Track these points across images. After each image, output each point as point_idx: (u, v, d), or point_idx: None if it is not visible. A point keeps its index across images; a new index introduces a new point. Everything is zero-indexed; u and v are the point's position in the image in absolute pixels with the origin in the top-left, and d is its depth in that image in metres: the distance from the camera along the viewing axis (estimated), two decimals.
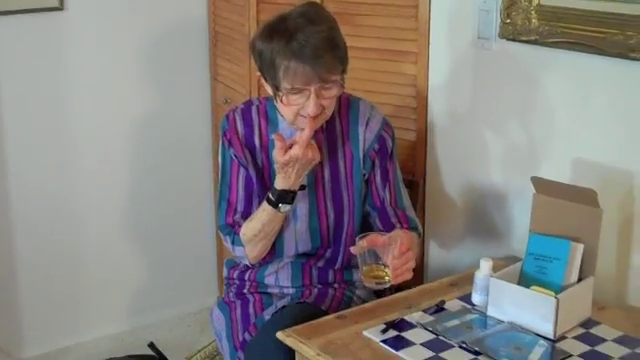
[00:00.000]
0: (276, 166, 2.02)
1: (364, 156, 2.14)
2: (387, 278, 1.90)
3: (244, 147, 2.16)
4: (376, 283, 1.91)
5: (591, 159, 2.08)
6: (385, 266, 1.90)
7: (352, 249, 1.95)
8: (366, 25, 2.61)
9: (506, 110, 2.29)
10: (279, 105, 2.04)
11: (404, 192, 2.23)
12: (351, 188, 2.16)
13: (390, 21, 2.55)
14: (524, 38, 2.15)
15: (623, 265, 2.06)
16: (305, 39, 1.94)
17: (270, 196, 2.07)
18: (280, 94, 1.99)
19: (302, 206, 2.16)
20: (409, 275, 1.91)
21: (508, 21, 2.18)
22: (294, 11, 2.01)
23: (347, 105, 2.16)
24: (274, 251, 2.23)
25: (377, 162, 2.16)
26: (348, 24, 2.65)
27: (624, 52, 1.92)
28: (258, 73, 2.07)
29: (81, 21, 3.06)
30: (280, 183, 2.05)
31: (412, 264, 1.92)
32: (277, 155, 1.99)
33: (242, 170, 2.17)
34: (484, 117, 2.35)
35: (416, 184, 2.47)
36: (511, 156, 2.30)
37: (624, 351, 1.78)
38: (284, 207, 2.07)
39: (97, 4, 3.08)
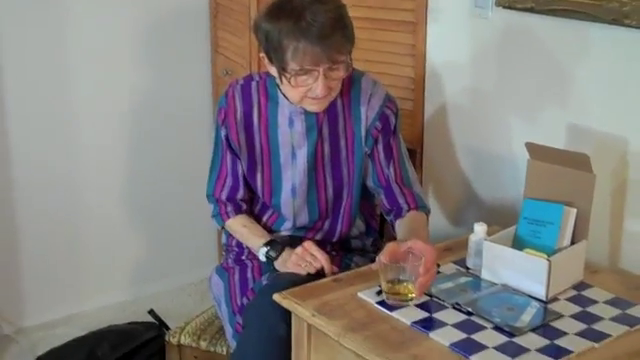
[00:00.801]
0: (297, 250, 2.06)
1: (366, 133, 2.13)
2: (410, 295, 1.81)
3: (240, 126, 2.15)
4: (400, 301, 1.81)
5: (586, 125, 2.10)
6: (407, 282, 1.81)
7: (372, 266, 1.93)
8: None
9: (503, 77, 2.31)
10: (285, 86, 2.01)
11: (410, 168, 2.21)
12: (352, 165, 2.17)
13: None
14: (520, 6, 2.16)
15: (616, 230, 2.08)
16: (314, 18, 1.90)
17: (260, 248, 2.14)
18: (287, 75, 1.96)
19: (302, 182, 2.17)
20: (433, 276, 1.86)
21: None
22: None
23: (349, 82, 2.12)
24: (271, 225, 2.26)
25: (380, 139, 2.14)
26: None
27: (619, 19, 1.93)
28: (262, 54, 2.03)
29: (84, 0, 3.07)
30: (278, 259, 2.11)
31: (433, 277, 1.86)
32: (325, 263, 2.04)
33: (230, 153, 2.19)
34: (481, 85, 2.37)
35: (413, 152, 2.48)
36: (507, 122, 2.32)
37: (615, 312, 1.81)
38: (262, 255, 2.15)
39: None
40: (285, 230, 2.25)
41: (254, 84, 2.17)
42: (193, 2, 3.35)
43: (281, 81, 2.02)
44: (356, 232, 2.29)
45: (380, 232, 2.42)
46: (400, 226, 2.13)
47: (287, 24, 1.92)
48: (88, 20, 3.11)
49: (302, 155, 2.15)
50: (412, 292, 1.81)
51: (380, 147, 2.15)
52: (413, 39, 2.53)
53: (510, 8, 2.20)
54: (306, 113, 2.11)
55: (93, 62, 3.16)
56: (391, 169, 2.16)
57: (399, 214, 2.15)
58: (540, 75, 2.20)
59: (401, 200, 2.16)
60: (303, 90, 1.99)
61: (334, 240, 2.25)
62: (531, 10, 2.14)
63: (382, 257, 1.84)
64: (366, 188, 2.22)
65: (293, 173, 2.17)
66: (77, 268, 3.30)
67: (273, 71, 2.03)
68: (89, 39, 3.13)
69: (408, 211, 2.14)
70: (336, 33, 1.93)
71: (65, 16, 3.06)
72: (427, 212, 2.20)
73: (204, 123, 3.45)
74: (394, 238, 2.13)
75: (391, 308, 1.80)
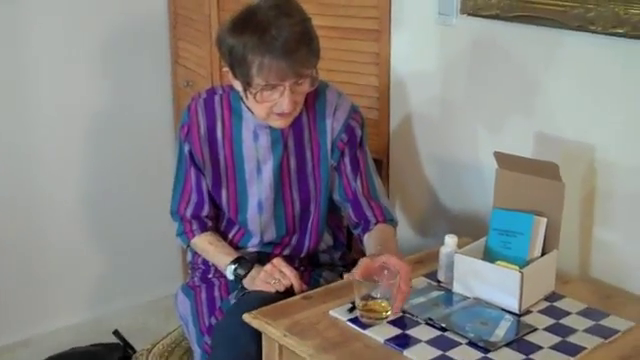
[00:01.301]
0: (266, 267, 2.03)
1: (332, 146, 2.10)
2: (385, 314, 1.77)
3: (204, 142, 2.11)
4: (375, 319, 1.76)
5: (553, 133, 2.09)
6: (381, 299, 1.77)
7: (346, 277, 1.90)
8: (326, 3, 2.59)
9: (469, 85, 2.29)
10: (250, 102, 1.98)
11: (377, 180, 2.18)
12: (318, 178, 2.13)
13: None
14: (485, 13, 2.14)
15: (585, 238, 2.07)
16: (279, 33, 1.87)
17: (227, 266, 2.10)
18: (253, 91, 1.93)
19: (268, 197, 2.13)
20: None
21: None
22: (264, 3, 1.94)
23: (314, 95, 2.08)
24: (238, 242, 2.22)
25: (346, 152, 2.11)
26: (308, 2, 2.62)
27: (584, 25, 1.92)
28: (225, 68, 2.00)
29: (38, 2, 2.99)
30: (246, 277, 2.07)
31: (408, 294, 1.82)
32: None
33: (194, 169, 2.15)
34: (447, 93, 2.35)
35: (379, 162, 2.45)
36: (474, 131, 2.29)
37: (589, 323, 1.79)
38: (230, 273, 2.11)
39: None
40: (252, 246, 2.21)
41: (217, 98, 2.13)
42: (152, 12, 3.29)
43: (246, 97, 1.98)
44: (324, 246, 2.25)
45: (348, 245, 2.38)
46: (369, 240, 2.09)
47: (252, 39, 1.88)
48: (44, 33, 3.03)
49: (268, 170, 2.11)
50: (386, 310, 1.77)
51: (347, 160, 2.12)
52: (377, 47, 2.50)
53: (475, 15, 2.18)
54: (271, 127, 2.07)
55: (50, 74, 3.08)
56: (358, 182, 2.13)
57: (367, 227, 2.12)
58: (507, 83, 2.18)
59: (369, 213, 2.12)
60: (269, 105, 1.95)
61: (302, 255, 2.21)
62: (496, 17, 2.12)
63: (356, 273, 1.80)
64: (333, 201, 2.19)
65: (259, 188, 2.13)
66: (35, 288, 3.21)
67: (237, 85, 1.99)
68: (45, 52, 3.05)
69: (376, 224, 2.11)
70: (302, 47, 1.89)
71: (21, 28, 2.98)
72: (395, 225, 2.18)
73: (165, 136, 3.39)
74: (362, 251, 2.10)
75: (364, 326, 1.76)
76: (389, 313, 1.77)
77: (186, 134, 2.13)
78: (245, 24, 1.91)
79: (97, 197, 3.30)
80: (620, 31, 1.85)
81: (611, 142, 1.97)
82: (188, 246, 2.25)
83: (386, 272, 1.80)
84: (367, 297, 1.77)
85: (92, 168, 3.26)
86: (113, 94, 3.25)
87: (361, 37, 2.54)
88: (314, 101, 2.09)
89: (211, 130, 2.11)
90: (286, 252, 2.19)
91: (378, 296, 1.77)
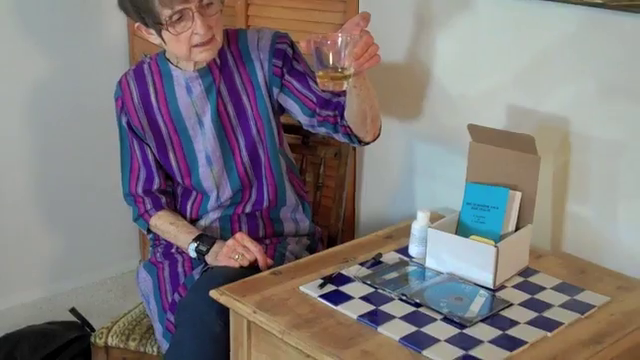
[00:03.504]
0: (229, 242, 1.98)
1: (268, 77, 2.07)
2: (347, 72, 1.66)
3: (139, 111, 2.11)
4: (333, 85, 1.67)
5: (526, 105, 2.05)
6: (343, 68, 1.67)
7: (301, 43, 1.73)
8: None
9: (439, 57, 2.23)
10: (169, 43, 1.97)
11: None
12: (258, 118, 2.09)
13: None
14: None
15: (558, 213, 2.04)
16: None
17: (189, 244, 2.06)
18: (165, 27, 1.92)
19: (214, 149, 2.10)
20: (376, 60, 1.70)
21: None
22: None
23: (235, 35, 2.11)
24: (197, 210, 2.17)
25: (285, 72, 2.06)
26: None
27: None
28: (137, 24, 2.00)
29: None
30: (209, 253, 2.03)
31: (376, 48, 1.69)
32: None
33: (136, 141, 2.14)
34: (417, 65, 2.29)
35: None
36: (446, 104, 2.24)
37: (564, 298, 1.76)
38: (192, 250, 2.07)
39: None
40: (212, 210, 2.15)
41: (146, 66, 2.15)
42: None
43: (163, 40, 1.98)
44: (288, 205, 2.19)
45: (313, 212, 2.32)
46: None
47: None
48: None
49: (208, 120, 2.09)
50: (346, 75, 1.67)
51: (288, 77, 2.07)
52: (344, 18, 2.43)
53: None
54: (202, 76, 2.06)
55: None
56: (312, 85, 2.04)
57: (342, 107, 1.98)
58: (477, 55, 2.13)
59: (336, 99, 2.00)
60: (186, 38, 1.94)
61: (264, 207, 2.15)
62: None
63: (309, 41, 1.68)
64: (289, 158, 2.16)
65: (204, 141, 2.11)
66: None
67: (153, 38, 2.00)
68: None
69: None
70: None
71: None
72: None
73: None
74: (336, 222, 2.04)
75: (336, 302, 1.71)
76: (351, 71, 1.68)
77: (121, 107, 2.14)
78: None
79: (47, 174, 3.18)
80: (597, 1, 1.82)
81: (586, 114, 1.94)
82: (149, 231, 2.21)
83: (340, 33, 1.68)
84: (326, 67, 1.67)
85: (43, 145, 3.14)
86: (65, 67, 3.13)
87: (328, 8, 2.47)
88: (237, 42, 2.09)
89: (144, 96, 2.12)
90: (248, 209, 2.15)
91: (339, 65, 1.67)
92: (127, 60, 3.27)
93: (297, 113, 2.08)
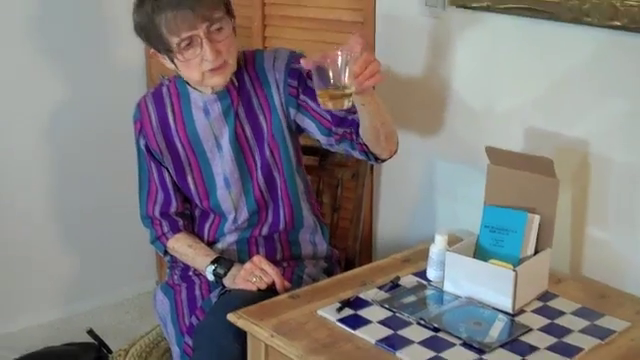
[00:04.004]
0: (246, 265, 1.98)
1: (284, 98, 2.06)
2: (347, 90, 1.65)
3: (157, 134, 2.11)
4: (333, 104, 1.66)
5: (545, 127, 2.04)
6: (343, 87, 1.64)
7: (302, 61, 1.70)
8: None
9: (458, 80, 2.23)
10: (182, 68, 1.98)
11: None
12: (272, 141, 2.08)
13: None
14: (475, 5, 2.09)
15: (578, 236, 2.03)
16: None
17: (207, 267, 2.05)
18: (176, 54, 1.94)
19: (232, 171, 2.10)
20: (378, 78, 1.70)
21: None
22: None
23: (252, 57, 2.11)
24: (214, 234, 2.17)
25: (301, 92, 2.05)
26: None
27: (579, 17, 1.87)
28: (151, 50, 2.01)
29: None
30: (227, 276, 2.02)
31: (377, 65, 1.68)
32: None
33: (154, 164, 2.14)
34: (435, 87, 2.29)
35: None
36: (465, 126, 2.23)
37: (584, 324, 1.74)
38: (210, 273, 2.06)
39: None
40: (229, 232, 2.15)
41: (164, 89, 2.15)
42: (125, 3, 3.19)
43: (176, 66, 1.99)
44: (306, 227, 2.18)
45: (331, 235, 2.31)
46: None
47: (148, 4, 1.92)
48: (14, 21, 2.92)
49: (226, 142, 2.09)
50: (346, 94, 1.65)
51: (304, 97, 2.05)
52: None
53: (464, 7, 2.12)
54: (220, 99, 2.06)
55: (14, 72, 2.96)
56: None
57: (357, 125, 1.97)
58: (497, 76, 2.12)
59: (351, 117, 1.98)
60: (196, 64, 1.94)
61: (280, 229, 2.14)
62: (487, 9, 2.06)
63: (309, 60, 1.68)
64: (302, 174, 2.15)
65: (222, 164, 2.10)
66: (6, 285, 3.11)
67: (167, 63, 2.01)
68: (10, 39, 2.94)
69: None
70: None
71: None
72: None
73: None
74: (354, 244, 2.03)
75: (354, 326, 1.70)
76: (352, 89, 1.66)
77: (140, 129, 2.14)
78: None
79: (70, 194, 3.20)
80: (617, 23, 1.80)
81: (606, 137, 1.92)
82: (166, 253, 2.21)
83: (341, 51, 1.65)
84: (327, 86, 1.66)
85: (62, 164, 3.16)
86: (83, 89, 3.15)
87: (344, 29, 2.47)
88: (254, 63, 2.09)
89: (163, 119, 2.12)
90: (264, 231, 2.14)
91: (340, 84, 1.65)
92: (144, 82, 3.29)
93: (314, 132, 2.08)
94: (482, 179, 1.96)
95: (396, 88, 2.39)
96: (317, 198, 2.29)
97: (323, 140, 2.07)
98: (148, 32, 1.95)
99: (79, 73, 3.13)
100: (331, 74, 1.64)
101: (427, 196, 2.39)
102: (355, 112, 1.93)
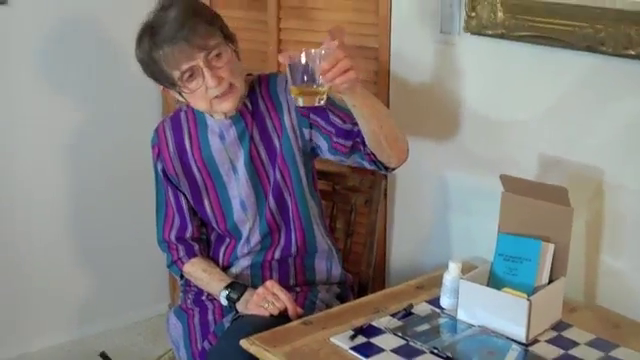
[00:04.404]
0: (259, 290, 1.98)
1: (297, 120, 2.06)
2: (317, 98, 1.63)
3: (175, 159, 2.13)
4: (303, 100, 1.64)
5: (559, 155, 2.03)
6: (317, 85, 1.63)
7: (280, 58, 1.68)
8: (324, 20, 2.54)
9: (472, 106, 2.23)
10: (190, 99, 2.00)
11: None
12: (282, 163, 2.09)
13: (349, 16, 2.49)
14: (490, 32, 2.09)
15: (592, 265, 2.01)
16: (163, 22, 1.93)
17: (220, 292, 2.06)
18: (180, 87, 1.96)
19: (248, 195, 2.11)
20: (349, 76, 1.65)
21: (473, 14, 2.12)
22: (151, 10, 2.00)
23: (266, 81, 2.12)
24: (229, 258, 2.18)
25: (311, 111, 2.04)
26: (305, 18, 2.60)
27: (594, 45, 1.87)
28: (161, 87, 2.04)
29: (25, 16, 2.91)
30: (240, 301, 2.03)
31: (347, 62, 1.63)
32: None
33: (171, 188, 2.16)
34: (449, 114, 2.29)
35: (380, 181, 2.39)
36: (478, 153, 2.23)
37: (598, 355, 1.73)
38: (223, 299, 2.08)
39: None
40: (242, 256, 2.15)
41: (182, 114, 2.16)
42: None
43: (183, 97, 2.01)
44: (319, 250, 2.18)
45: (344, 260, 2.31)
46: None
47: (146, 41, 1.96)
48: (32, 46, 2.95)
49: (241, 166, 2.10)
50: (319, 91, 1.64)
51: (314, 116, 2.05)
52: (376, 65, 2.44)
53: (479, 34, 2.13)
54: (235, 123, 2.07)
55: (37, 89, 2.99)
56: (333, 119, 2.01)
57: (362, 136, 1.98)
58: (511, 102, 2.12)
59: (357, 128, 1.97)
60: (202, 94, 1.96)
61: (292, 252, 2.15)
62: (501, 36, 2.07)
63: (284, 55, 1.67)
64: (314, 197, 2.15)
65: (238, 187, 2.12)
66: (19, 307, 3.11)
67: (177, 96, 2.04)
68: (33, 65, 2.96)
69: None
70: (189, 20, 1.92)
71: (7, 41, 2.90)
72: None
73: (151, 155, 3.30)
74: (367, 269, 2.03)
75: (367, 354, 1.69)
76: (325, 87, 1.64)
77: (157, 154, 2.17)
78: (142, 34, 1.98)
79: (84, 216, 3.20)
80: (632, 52, 1.80)
81: (620, 165, 1.92)
82: (182, 276, 2.22)
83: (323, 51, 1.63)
84: (300, 84, 1.64)
85: (79, 187, 3.17)
86: (102, 110, 3.17)
87: (359, 55, 2.48)
88: (267, 87, 2.11)
89: (180, 143, 2.14)
90: (277, 254, 2.14)
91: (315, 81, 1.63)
92: (160, 106, 3.31)
93: (326, 149, 2.07)
94: (496, 207, 1.95)
95: (410, 112, 2.39)
96: (330, 223, 2.29)
97: (333, 157, 2.08)
98: (151, 69, 1.98)
99: (95, 100, 3.15)
100: (302, 70, 1.63)
101: (441, 222, 2.39)
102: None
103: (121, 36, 3.11)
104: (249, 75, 2.12)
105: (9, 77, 2.93)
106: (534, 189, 1.89)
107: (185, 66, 1.93)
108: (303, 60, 1.63)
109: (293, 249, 2.15)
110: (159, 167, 2.16)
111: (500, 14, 2.06)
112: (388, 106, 2.43)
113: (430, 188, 2.39)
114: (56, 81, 3.04)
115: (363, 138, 1.96)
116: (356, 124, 1.94)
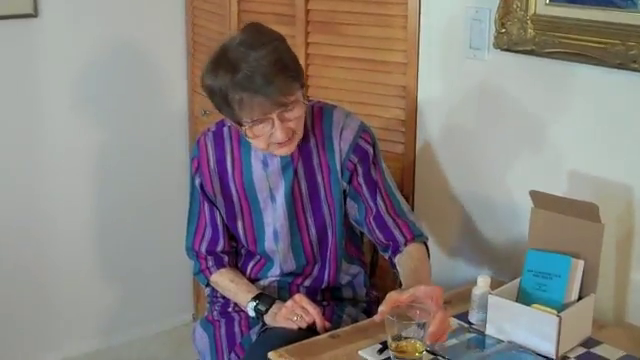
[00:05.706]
0: (288, 304, 1.99)
1: (342, 167, 2.04)
2: (417, 354, 1.69)
3: (214, 176, 2.09)
4: (396, 355, 1.70)
5: (589, 172, 2.03)
6: (414, 339, 1.69)
7: (376, 318, 1.78)
8: (352, 35, 2.55)
9: (501, 123, 2.23)
10: (248, 137, 1.94)
11: (400, 198, 2.10)
12: (331, 201, 2.07)
13: (378, 31, 2.49)
14: (520, 48, 2.09)
15: (622, 281, 2.00)
16: (250, 69, 1.83)
17: (248, 303, 2.05)
18: (244, 128, 1.91)
19: (282, 225, 2.08)
20: (445, 338, 1.76)
21: (503, 31, 2.12)
22: (234, 39, 1.91)
23: (320, 115, 2.06)
24: (257, 272, 2.17)
25: (359, 171, 2.04)
26: (333, 33, 2.60)
27: (625, 63, 1.87)
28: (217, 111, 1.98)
29: (55, 29, 2.96)
30: (268, 313, 2.02)
31: (448, 325, 1.77)
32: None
33: (207, 203, 2.13)
34: (477, 130, 2.29)
35: (405, 199, 2.39)
36: (507, 170, 2.23)
37: None
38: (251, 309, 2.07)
39: (72, 12, 2.99)
40: (272, 276, 2.15)
41: (226, 130, 2.10)
42: (170, 40, 3.25)
43: (242, 132, 1.95)
44: (346, 278, 2.18)
45: (371, 273, 2.32)
46: (401, 265, 2.00)
47: (225, 79, 1.86)
48: (62, 57, 2.99)
49: (280, 196, 2.07)
50: (419, 350, 1.69)
51: (361, 180, 2.04)
52: (404, 80, 2.44)
53: (509, 50, 2.13)
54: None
55: (66, 100, 3.03)
56: (379, 200, 2.04)
57: (396, 249, 2.03)
58: (541, 120, 2.12)
59: (396, 232, 2.03)
60: (264, 138, 1.91)
61: (323, 286, 2.14)
62: (531, 53, 2.07)
63: (384, 308, 1.72)
64: (351, 228, 2.13)
65: (274, 217, 2.09)
66: (45, 318, 3.15)
67: (232, 124, 1.98)
68: (62, 77, 3.01)
69: (405, 244, 2.02)
70: (277, 77, 1.84)
71: (38, 53, 2.94)
72: (425, 240, 2.08)
73: (179, 165, 3.33)
74: (393, 284, 2.03)
75: None
76: (422, 354, 1.70)
77: (197, 168, 2.11)
78: (218, 64, 1.89)
79: (108, 227, 3.24)
80: None
81: None
82: (207, 285, 2.21)
83: (419, 312, 1.73)
84: (399, 337, 1.70)
85: (104, 197, 3.21)
86: (129, 120, 3.20)
87: (388, 69, 2.49)
88: (321, 123, 2.05)
89: (221, 162, 2.09)
90: (307, 283, 2.14)
91: (411, 335, 1.69)
92: (186, 117, 3.33)
93: (354, 213, 2.07)
94: (525, 222, 1.95)
95: (438, 126, 2.40)
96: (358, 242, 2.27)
97: (353, 219, 2.09)
98: (219, 102, 1.91)
99: (122, 114, 3.19)
100: (405, 331, 1.68)
101: (469, 237, 2.38)
102: (398, 238, 2.04)
103: (154, 55, 3.19)
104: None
105: (37, 91, 2.97)
106: (564, 205, 1.89)
107: (258, 117, 1.87)
108: (408, 324, 1.69)
109: (324, 284, 2.15)
110: (197, 181, 2.12)
111: (530, 31, 2.06)
112: (415, 120, 2.43)
113: (457, 202, 2.39)
114: (84, 97, 3.09)
115: (396, 250, 2.03)
116: (397, 228, 2.03)
